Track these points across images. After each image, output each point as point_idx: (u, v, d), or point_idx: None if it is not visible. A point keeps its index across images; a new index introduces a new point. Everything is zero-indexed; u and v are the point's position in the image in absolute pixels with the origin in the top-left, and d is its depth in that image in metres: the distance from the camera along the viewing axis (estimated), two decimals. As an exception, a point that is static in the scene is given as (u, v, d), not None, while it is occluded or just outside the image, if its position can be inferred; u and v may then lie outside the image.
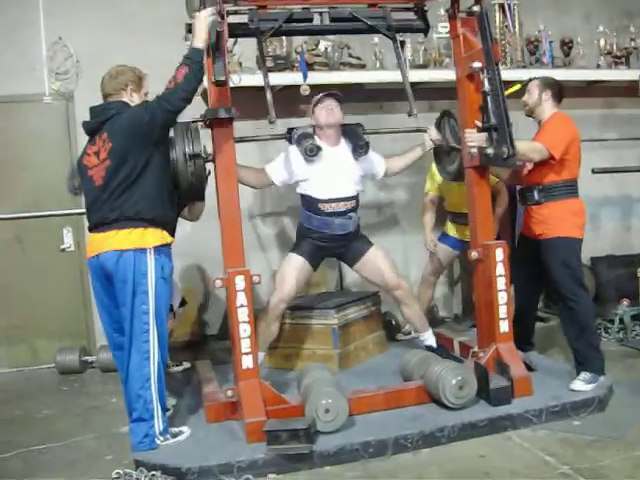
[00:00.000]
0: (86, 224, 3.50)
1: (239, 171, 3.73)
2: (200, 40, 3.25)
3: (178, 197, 3.61)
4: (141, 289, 3.23)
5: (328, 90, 4.20)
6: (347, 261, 4.42)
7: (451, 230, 5.04)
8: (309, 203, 4.22)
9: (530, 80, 4.09)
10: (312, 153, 4.07)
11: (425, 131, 4.39)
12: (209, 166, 3.69)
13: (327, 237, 4.23)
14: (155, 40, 5.16)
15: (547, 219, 3.93)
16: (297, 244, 4.34)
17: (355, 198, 4.27)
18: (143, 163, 3.24)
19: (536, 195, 3.94)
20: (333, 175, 4.16)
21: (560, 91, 4.06)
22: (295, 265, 4.20)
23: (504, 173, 4.38)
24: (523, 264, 4.14)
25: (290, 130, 4.29)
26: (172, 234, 3.45)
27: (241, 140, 3.94)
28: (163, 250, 3.33)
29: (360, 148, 4.23)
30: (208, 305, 5.66)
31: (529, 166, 4.01)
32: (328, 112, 4.14)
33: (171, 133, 3.47)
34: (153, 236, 3.28)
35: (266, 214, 5.69)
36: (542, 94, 3.99)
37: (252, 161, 5.41)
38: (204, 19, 3.26)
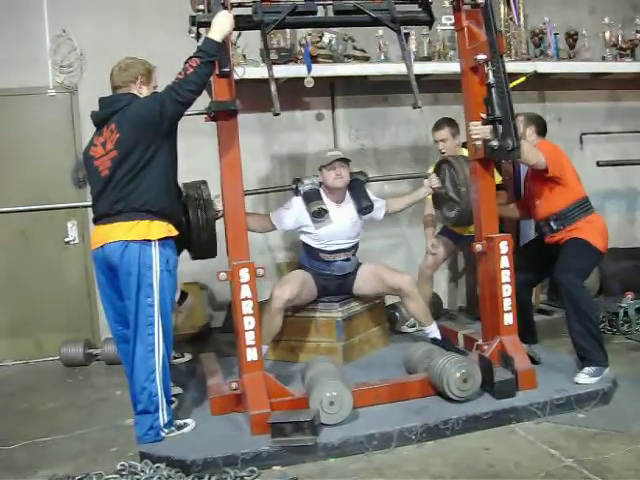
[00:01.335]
0: (91, 217, 3.49)
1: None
2: (219, 33, 3.25)
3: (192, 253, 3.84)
4: (146, 282, 3.22)
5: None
6: (347, 291, 4.56)
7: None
8: (310, 250, 4.45)
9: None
10: (319, 216, 4.27)
11: (426, 177, 4.56)
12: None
13: (326, 275, 4.45)
14: (160, 33, 5.16)
15: (569, 231, 4.01)
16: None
17: (355, 247, 4.49)
18: (150, 154, 3.22)
19: (553, 225, 4.06)
20: (337, 232, 4.36)
21: (544, 126, 4.24)
22: (302, 274, 4.41)
23: (514, 213, 4.52)
24: (526, 260, 4.16)
25: (295, 181, 4.44)
26: (177, 227, 3.45)
27: (247, 193, 3.96)
28: (168, 243, 3.33)
29: (365, 209, 4.42)
30: (212, 298, 5.66)
31: (537, 201, 4.12)
32: (336, 177, 4.29)
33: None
34: (159, 229, 3.28)
35: (270, 203, 5.67)
36: (527, 129, 4.14)
37: (257, 154, 5.45)
38: (229, 17, 3.28)
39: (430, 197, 4.79)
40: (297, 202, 4.36)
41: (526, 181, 4.37)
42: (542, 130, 4.22)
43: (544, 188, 4.04)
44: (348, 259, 4.44)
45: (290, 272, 4.58)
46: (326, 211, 4.26)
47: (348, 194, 4.43)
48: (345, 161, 4.32)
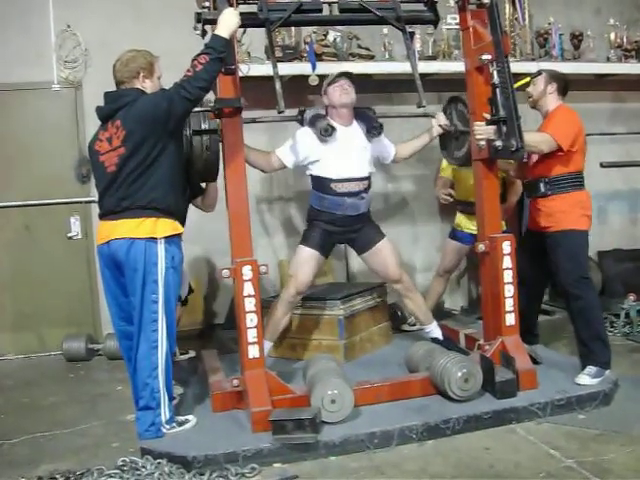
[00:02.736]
0: (94, 212, 3.51)
1: (248, 154, 3.74)
2: (226, 29, 3.25)
3: (191, 182, 3.65)
4: (151, 278, 3.23)
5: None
6: (356, 248, 4.38)
7: (460, 222, 5.02)
8: (321, 184, 4.19)
9: (539, 72, 4.08)
10: (327, 133, 4.07)
11: (433, 117, 4.40)
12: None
13: (338, 219, 4.19)
14: (164, 29, 5.17)
15: (554, 212, 3.93)
16: (307, 234, 4.29)
17: (368, 179, 4.26)
18: (157, 151, 3.22)
19: (542, 187, 3.96)
20: (346, 155, 4.14)
21: (566, 85, 4.07)
22: (307, 257, 4.19)
23: (511, 169, 4.40)
24: (529, 257, 4.14)
25: (301, 111, 4.30)
26: (182, 224, 3.45)
27: (252, 121, 3.95)
28: (174, 240, 3.33)
29: (374, 129, 4.23)
30: (215, 294, 5.67)
31: (534, 158, 4.02)
32: (342, 91, 4.13)
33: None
34: (165, 226, 3.28)
35: (273, 200, 5.69)
36: (547, 86, 4.00)
37: (261, 147, 5.44)
38: (235, 14, 3.29)
39: (444, 171, 4.77)
40: (304, 131, 4.19)
41: None
42: (563, 90, 4.06)
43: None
44: (361, 196, 4.19)
45: (295, 255, 4.33)
46: (334, 128, 4.08)
47: (355, 121, 4.26)
48: (350, 77, 4.18)
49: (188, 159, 3.55)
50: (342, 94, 4.13)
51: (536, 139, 3.75)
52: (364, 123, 4.25)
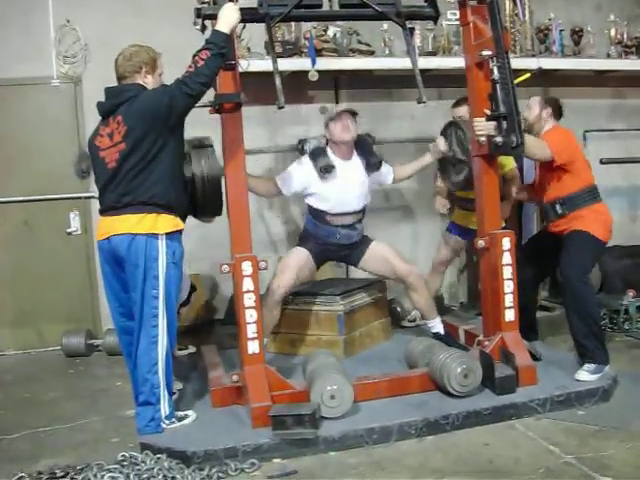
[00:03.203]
0: (93, 208, 3.50)
1: (249, 181, 3.74)
2: (227, 25, 3.24)
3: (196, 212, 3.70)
4: (152, 274, 3.22)
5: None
6: (351, 262, 4.50)
7: (459, 218, 5.02)
8: (317, 214, 4.30)
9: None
10: (327, 171, 4.16)
11: (433, 141, 4.48)
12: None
13: (331, 244, 4.33)
14: (164, 24, 5.15)
15: (573, 219, 3.99)
16: (302, 242, 4.40)
17: (362, 211, 4.37)
18: (158, 147, 3.21)
19: (559, 209, 4.03)
20: (344, 190, 4.24)
21: (560, 109, 4.19)
22: (299, 256, 4.27)
23: (522, 195, 4.58)
24: (531, 257, 4.17)
25: (301, 141, 4.39)
26: (183, 219, 3.44)
27: (255, 152, 4.03)
28: (175, 236, 3.33)
29: (374, 165, 4.33)
30: (214, 290, 5.67)
31: (537, 179, 4.13)
32: (344, 128, 4.19)
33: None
34: (166, 222, 3.27)
35: (273, 201, 5.69)
36: (543, 111, 4.11)
37: (261, 147, 5.44)
38: (235, 9, 3.28)
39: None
40: (304, 162, 4.26)
41: (537, 165, 4.33)
42: (558, 113, 4.16)
43: (554, 173, 4.00)
44: (355, 227, 4.33)
45: (287, 254, 4.45)
46: (333, 167, 4.17)
47: (355, 152, 4.32)
48: (352, 114, 4.23)
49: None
50: (343, 131, 4.20)
51: (530, 142, 3.75)
52: (364, 156, 4.33)
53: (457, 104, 4.81)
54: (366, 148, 4.36)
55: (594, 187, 4.05)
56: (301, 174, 4.22)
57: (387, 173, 4.49)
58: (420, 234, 5.81)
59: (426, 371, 3.66)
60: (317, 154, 4.23)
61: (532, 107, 4.11)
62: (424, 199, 5.70)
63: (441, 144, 4.41)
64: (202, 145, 3.64)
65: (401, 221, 5.82)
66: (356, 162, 4.31)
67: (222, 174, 3.60)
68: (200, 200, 3.59)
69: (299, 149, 4.38)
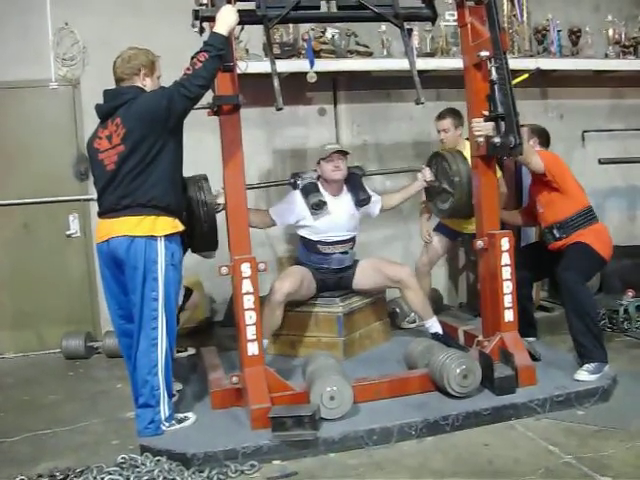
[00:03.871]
0: (92, 210, 3.50)
1: None
2: (225, 27, 3.25)
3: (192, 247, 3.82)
4: (151, 276, 3.23)
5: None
6: (345, 286, 4.58)
7: (447, 221, 5.01)
8: (308, 243, 4.47)
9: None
10: (318, 208, 4.32)
11: (419, 171, 4.63)
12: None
13: (324, 270, 4.48)
14: (163, 26, 5.15)
15: (572, 237, 4.05)
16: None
17: (353, 239, 4.53)
18: (157, 150, 3.21)
19: (556, 233, 4.11)
20: (335, 223, 4.42)
21: (547, 137, 4.31)
22: (302, 269, 4.43)
23: (517, 219, 4.63)
24: (529, 261, 4.21)
25: (294, 175, 4.54)
26: (182, 222, 3.44)
27: (250, 187, 4.13)
28: (174, 238, 3.33)
29: (363, 201, 4.49)
30: (214, 292, 5.66)
31: (540, 209, 4.19)
32: (335, 169, 4.34)
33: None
34: (165, 224, 3.27)
35: (272, 196, 5.66)
36: (530, 140, 4.20)
37: (259, 149, 5.46)
38: (233, 11, 3.28)
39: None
40: (296, 196, 4.42)
41: (530, 189, 4.38)
42: (546, 142, 4.30)
43: (548, 196, 4.10)
44: (346, 252, 4.48)
45: (290, 267, 4.59)
46: (325, 203, 4.32)
47: (345, 187, 4.48)
48: (344, 154, 4.37)
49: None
50: (334, 171, 4.36)
51: (526, 147, 3.76)
52: (354, 192, 4.48)
53: (441, 117, 4.84)
54: (356, 184, 4.52)
55: (589, 208, 4.13)
56: (294, 207, 4.40)
57: (375, 203, 4.62)
58: (412, 235, 5.79)
59: (426, 372, 3.66)
60: (309, 190, 4.38)
61: None
62: (416, 199, 5.69)
63: (427, 174, 4.56)
64: (198, 184, 3.78)
65: (394, 222, 5.80)
66: (346, 197, 4.48)
67: (217, 211, 3.80)
68: (198, 237, 3.75)
69: (292, 184, 4.52)
